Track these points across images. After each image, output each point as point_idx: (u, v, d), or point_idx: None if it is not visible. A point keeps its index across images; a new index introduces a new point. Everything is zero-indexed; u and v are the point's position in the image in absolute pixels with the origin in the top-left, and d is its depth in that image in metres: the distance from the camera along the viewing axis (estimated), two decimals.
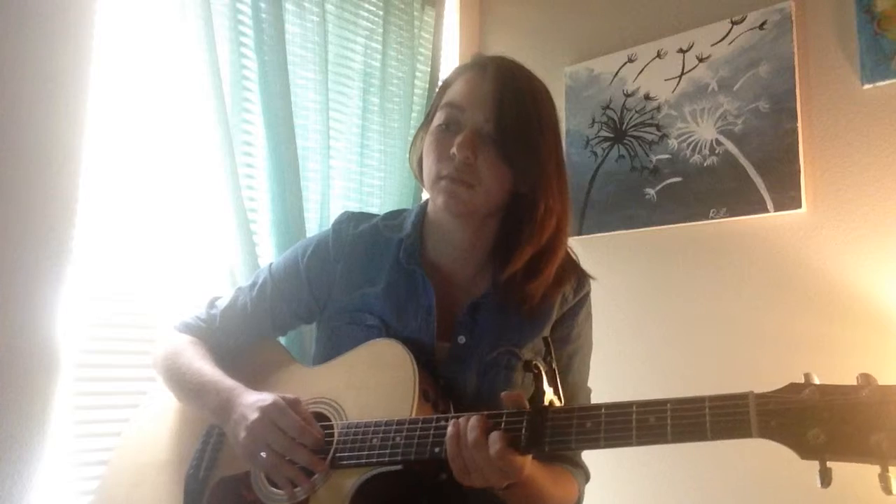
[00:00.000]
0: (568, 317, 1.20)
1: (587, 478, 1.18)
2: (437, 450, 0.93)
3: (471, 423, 0.91)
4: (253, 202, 1.73)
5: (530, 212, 1.11)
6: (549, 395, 0.92)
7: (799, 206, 1.75)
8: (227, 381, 1.11)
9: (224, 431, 1.13)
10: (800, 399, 0.75)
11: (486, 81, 1.10)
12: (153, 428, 1.25)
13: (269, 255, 1.69)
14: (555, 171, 1.12)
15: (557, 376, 0.96)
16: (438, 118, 1.13)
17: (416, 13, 2.13)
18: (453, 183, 1.07)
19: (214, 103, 1.61)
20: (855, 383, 0.74)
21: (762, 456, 1.68)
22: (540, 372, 0.92)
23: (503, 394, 0.93)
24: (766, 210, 1.80)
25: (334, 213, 1.81)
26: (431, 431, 0.95)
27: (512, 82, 1.11)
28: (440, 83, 1.23)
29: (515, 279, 1.12)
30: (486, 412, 0.93)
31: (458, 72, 1.18)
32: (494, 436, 0.89)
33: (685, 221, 1.93)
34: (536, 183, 1.10)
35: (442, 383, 1.10)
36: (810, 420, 0.73)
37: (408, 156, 1.99)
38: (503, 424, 0.91)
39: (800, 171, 1.75)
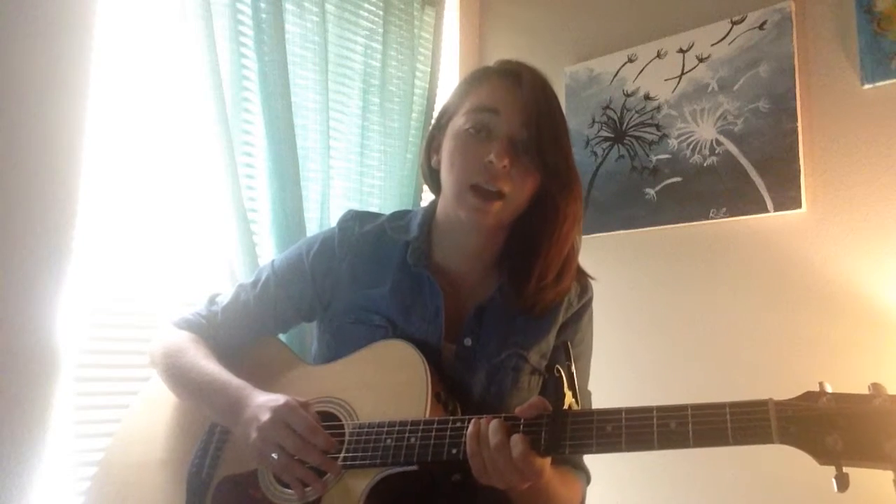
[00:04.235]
0: (572, 321, 1.21)
1: (588, 480, 1.19)
2: (454, 451, 0.94)
3: (492, 426, 0.91)
4: (253, 202, 1.72)
5: (552, 219, 1.12)
6: (567, 398, 0.93)
7: (799, 206, 1.75)
8: (235, 381, 1.10)
9: (228, 430, 1.13)
10: (818, 407, 0.77)
11: (522, 88, 1.10)
12: (149, 425, 1.24)
13: (269, 254, 1.69)
14: (577, 178, 1.14)
15: (576, 381, 0.97)
16: (464, 122, 1.11)
17: (416, 13, 2.13)
18: (486, 198, 1.07)
19: (214, 103, 1.61)
20: (865, 391, 0.77)
21: (764, 461, 1.68)
22: (561, 376, 0.93)
23: (519, 411, 0.93)
24: (766, 210, 1.80)
25: (334, 213, 1.81)
26: (448, 433, 0.95)
27: (544, 91, 1.12)
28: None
29: (528, 285, 1.12)
30: (504, 415, 0.93)
31: (481, 76, 1.17)
32: (516, 438, 0.89)
33: (685, 221, 1.93)
34: (565, 189, 1.11)
35: (450, 384, 1.10)
36: (828, 427, 0.76)
37: (408, 156, 2.02)
38: (522, 427, 0.91)
39: (800, 171, 1.76)
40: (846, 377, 1.61)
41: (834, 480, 0.74)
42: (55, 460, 1.40)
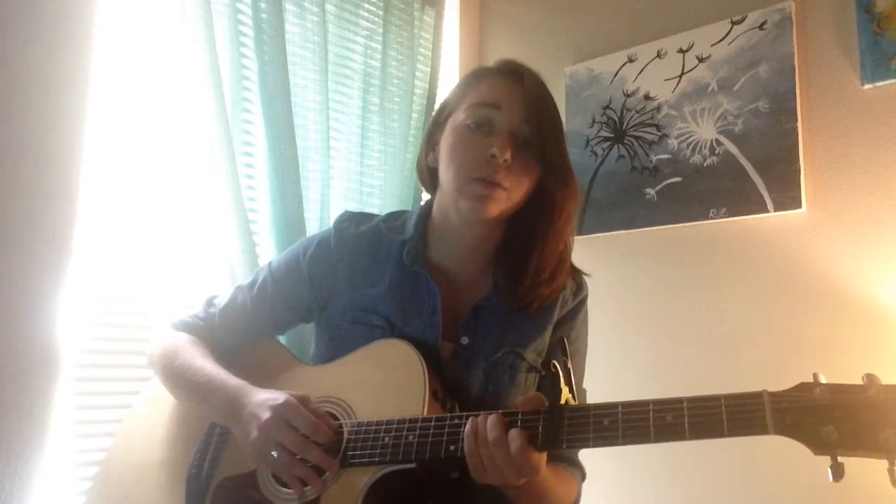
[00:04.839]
0: (567, 319, 1.21)
1: (583, 476, 1.19)
2: (452, 448, 0.94)
3: (490, 421, 0.91)
4: (253, 202, 1.72)
5: (549, 215, 1.12)
6: (564, 393, 0.93)
7: (799, 206, 1.75)
8: (233, 380, 1.11)
9: (227, 430, 1.13)
10: (812, 398, 0.78)
11: (523, 85, 1.12)
12: (149, 426, 1.24)
13: (269, 254, 1.69)
14: (573, 174, 1.15)
15: (572, 376, 0.97)
16: (465, 117, 1.12)
17: (416, 13, 2.13)
18: (486, 187, 1.07)
19: (214, 103, 1.61)
20: (860, 382, 0.77)
21: (761, 451, 1.68)
22: (558, 371, 0.94)
23: (518, 400, 0.94)
24: (766, 210, 1.80)
25: (334, 213, 1.81)
26: (446, 430, 0.95)
27: (543, 89, 1.14)
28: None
29: (524, 281, 1.12)
30: (502, 411, 0.93)
31: (480, 74, 1.18)
32: (514, 433, 0.90)
33: (685, 221, 1.93)
34: (563, 186, 1.12)
35: (448, 383, 1.10)
36: (823, 417, 0.76)
37: (407, 156, 2.02)
38: (520, 422, 0.91)
39: (800, 171, 1.76)
40: (845, 376, 1.61)
41: (829, 470, 0.75)
42: (55, 460, 1.40)
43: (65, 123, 1.44)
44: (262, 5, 1.72)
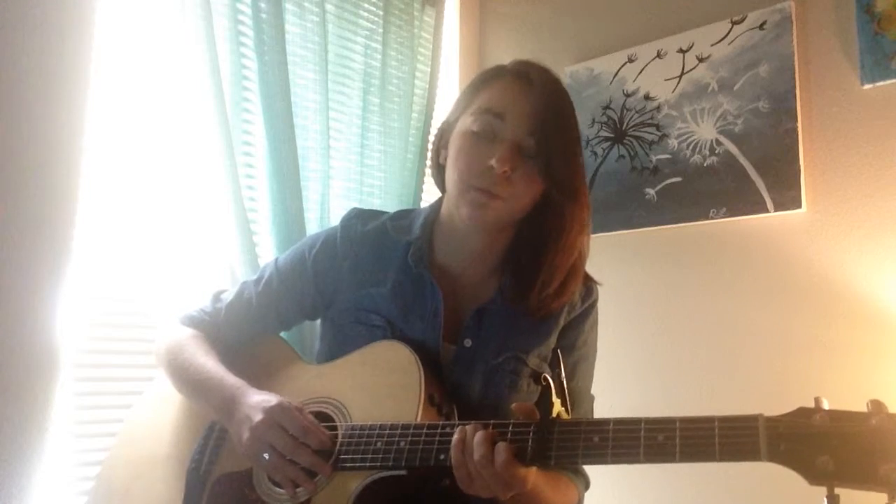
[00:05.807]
0: (575, 324, 1.20)
1: (587, 485, 1.17)
2: (442, 457, 0.93)
3: (477, 437, 0.90)
4: (253, 202, 1.72)
5: (558, 225, 1.10)
6: (556, 406, 0.92)
7: (799, 206, 1.75)
8: (231, 379, 1.11)
9: (226, 428, 1.13)
10: (810, 424, 0.74)
11: (532, 94, 1.08)
12: (154, 420, 1.25)
13: (269, 254, 1.69)
14: (584, 185, 1.12)
15: (566, 389, 0.95)
16: (471, 123, 1.10)
17: (416, 13, 2.13)
18: (485, 196, 1.06)
19: (214, 103, 1.61)
20: (864, 391, 0.74)
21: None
22: (549, 384, 0.92)
23: (514, 405, 0.93)
24: (766, 210, 1.80)
25: (334, 213, 1.82)
26: (437, 438, 0.95)
27: (555, 97, 1.10)
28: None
29: (531, 288, 1.11)
30: (493, 422, 0.92)
31: (493, 75, 1.15)
32: (500, 447, 0.88)
33: (685, 221, 1.93)
34: (570, 199, 1.09)
35: (447, 387, 1.10)
36: (820, 446, 0.73)
37: (408, 156, 2.02)
38: (509, 435, 0.90)
39: (800, 171, 1.76)
40: (845, 377, 1.61)
41: (825, 500, 0.71)
42: (55, 460, 1.40)
43: (65, 123, 1.44)
44: (262, 5, 1.72)
